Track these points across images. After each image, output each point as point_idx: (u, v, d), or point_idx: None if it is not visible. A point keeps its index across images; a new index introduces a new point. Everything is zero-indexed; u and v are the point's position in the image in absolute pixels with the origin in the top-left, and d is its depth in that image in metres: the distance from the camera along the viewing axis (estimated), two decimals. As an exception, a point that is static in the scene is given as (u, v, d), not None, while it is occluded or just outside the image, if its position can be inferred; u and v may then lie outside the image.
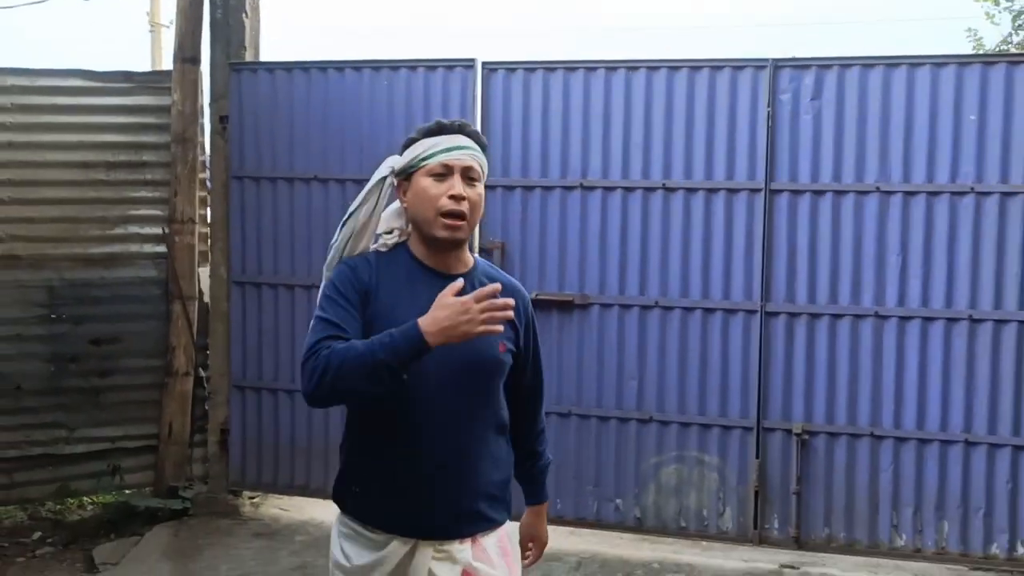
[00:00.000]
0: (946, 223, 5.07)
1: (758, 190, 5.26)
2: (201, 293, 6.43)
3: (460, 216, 2.47)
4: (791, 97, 5.22)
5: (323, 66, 5.90)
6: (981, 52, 9.64)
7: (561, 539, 5.28)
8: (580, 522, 5.59)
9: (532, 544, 2.87)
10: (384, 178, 2.54)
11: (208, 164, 6.33)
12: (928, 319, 5.11)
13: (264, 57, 6.37)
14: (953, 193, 5.04)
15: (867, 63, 5.12)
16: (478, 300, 2.26)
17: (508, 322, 2.50)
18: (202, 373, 6.42)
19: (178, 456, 6.37)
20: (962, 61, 5.05)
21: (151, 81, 6.45)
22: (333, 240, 2.60)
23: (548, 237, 5.57)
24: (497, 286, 2.32)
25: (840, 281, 5.22)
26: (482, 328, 2.26)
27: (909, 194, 5.09)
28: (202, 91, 6.32)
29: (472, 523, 2.54)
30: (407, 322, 2.33)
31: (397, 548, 2.48)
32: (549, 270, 5.55)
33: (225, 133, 6.10)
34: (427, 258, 2.54)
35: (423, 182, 2.49)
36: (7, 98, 6.09)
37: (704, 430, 5.42)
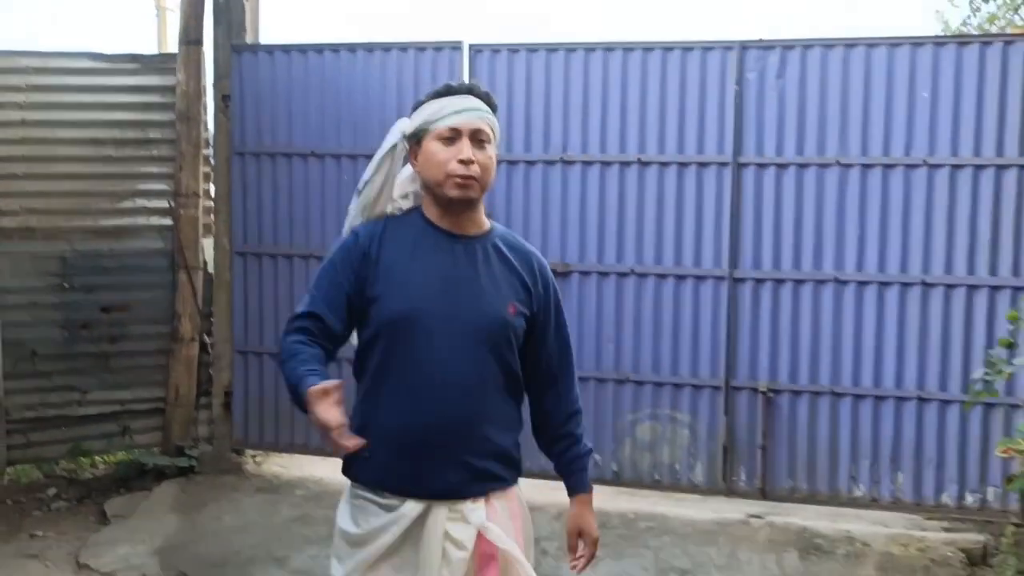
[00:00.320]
0: (901, 194, 5.28)
1: (726, 164, 5.51)
2: (205, 263, 6.54)
3: (470, 177, 2.43)
4: (757, 76, 5.45)
5: (319, 48, 6.13)
6: (946, 34, 9.97)
7: (540, 493, 5.56)
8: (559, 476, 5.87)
9: (582, 539, 2.65)
10: (395, 145, 2.53)
11: (211, 141, 6.48)
12: (884, 284, 5.34)
13: (264, 39, 6.56)
14: (907, 166, 5.26)
15: (828, 44, 5.35)
16: (321, 426, 2.20)
17: (520, 283, 2.52)
18: (207, 339, 6.55)
19: (184, 417, 6.51)
20: (915, 42, 5.26)
21: (157, 62, 6.58)
22: (351, 205, 2.61)
23: (531, 209, 5.81)
24: (331, 388, 2.20)
25: (803, 249, 5.44)
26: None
27: (866, 167, 5.32)
28: (205, 72, 6.45)
29: (484, 482, 2.50)
30: (402, 281, 2.41)
31: (410, 509, 2.44)
32: (532, 240, 5.59)
33: (227, 111, 6.27)
34: (440, 220, 2.50)
35: (432, 146, 2.45)
36: (21, 79, 6.18)
37: (676, 389, 5.67)
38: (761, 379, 5.55)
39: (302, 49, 6.18)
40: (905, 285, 5.33)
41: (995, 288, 5.20)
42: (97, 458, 6.68)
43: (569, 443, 2.65)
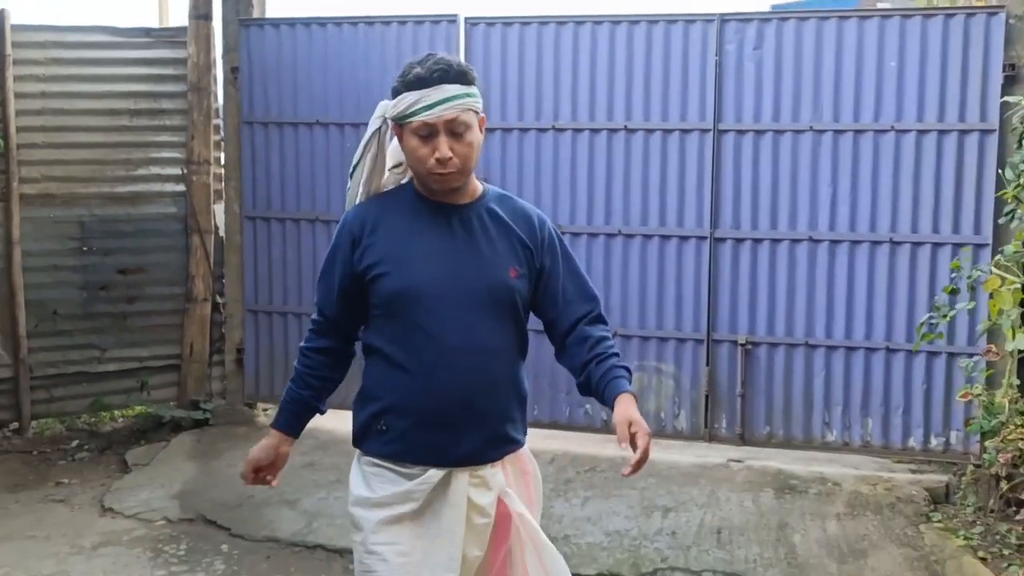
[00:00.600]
0: (870, 158, 5.56)
1: (707, 130, 5.78)
2: (217, 227, 6.79)
3: (450, 172, 2.41)
4: (736, 48, 5.72)
5: (322, 21, 6.38)
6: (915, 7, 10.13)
7: (538, 441, 5.83)
8: (554, 424, 6.12)
9: (632, 426, 2.36)
10: (379, 128, 2.53)
11: (221, 111, 6.71)
12: (855, 242, 5.62)
13: (270, 13, 6.80)
14: (876, 131, 5.54)
15: (802, 17, 5.63)
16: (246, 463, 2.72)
17: (519, 243, 2.52)
18: (219, 299, 6.81)
19: (199, 373, 6.78)
20: (884, 14, 5.54)
21: (168, 36, 6.77)
22: (348, 186, 2.63)
23: (525, 174, 6.09)
24: (261, 464, 2.73)
25: (779, 210, 5.72)
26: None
27: (838, 132, 5.60)
28: (215, 45, 6.68)
29: (501, 446, 2.53)
30: (402, 257, 2.44)
31: (431, 476, 2.44)
32: (525, 203, 6.12)
33: (236, 83, 6.53)
34: (432, 194, 2.50)
35: (411, 142, 2.41)
36: (40, 52, 6.41)
37: (661, 342, 5.97)
38: (740, 332, 5.84)
39: (306, 23, 6.43)
40: (874, 243, 5.61)
41: (958, 245, 5.43)
42: (116, 412, 6.96)
43: (606, 356, 2.53)
